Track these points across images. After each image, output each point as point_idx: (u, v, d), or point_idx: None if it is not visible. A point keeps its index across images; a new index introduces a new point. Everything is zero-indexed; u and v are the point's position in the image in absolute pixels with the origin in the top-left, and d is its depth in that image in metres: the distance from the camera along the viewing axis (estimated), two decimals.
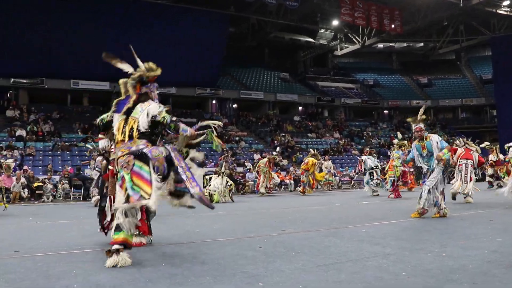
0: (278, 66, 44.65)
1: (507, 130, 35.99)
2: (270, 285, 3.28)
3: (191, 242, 5.49)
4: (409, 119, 8.21)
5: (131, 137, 4.25)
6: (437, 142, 7.64)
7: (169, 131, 4.46)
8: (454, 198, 10.88)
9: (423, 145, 7.73)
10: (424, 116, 8.00)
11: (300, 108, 40.49)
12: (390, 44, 47.45)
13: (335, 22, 39.24)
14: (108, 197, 5.32)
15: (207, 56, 32.95)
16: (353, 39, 41.33)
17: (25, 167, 18.58)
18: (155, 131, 4.36)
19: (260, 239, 5.54)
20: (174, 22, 30.70)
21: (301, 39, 43.96)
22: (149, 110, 4.28)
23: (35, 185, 17.15)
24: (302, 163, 19.22)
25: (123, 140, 4.30)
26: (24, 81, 28.88)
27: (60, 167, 20.93)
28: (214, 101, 36.55)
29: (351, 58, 48.90)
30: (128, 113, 4.38)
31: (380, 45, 46.73)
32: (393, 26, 36.54)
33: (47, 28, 27.53)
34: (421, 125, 7.83)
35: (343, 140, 34.71)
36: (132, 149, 4.18)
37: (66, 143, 24.18)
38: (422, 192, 7.55)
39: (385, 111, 44.79)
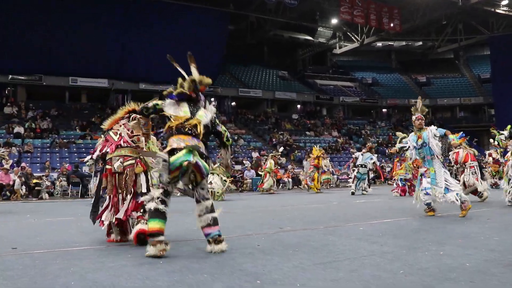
0: (277, 64, 44.63)
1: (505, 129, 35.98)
2: (268, 282, 3.28)
3: (189, 239, 5.49)
4: (412, 109, 8.11)
5: (195, 135, 4.48)
6: (431, 131, 7.63)
7: (221, 142, 4.92)
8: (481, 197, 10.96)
9: (419, 135, 7.73)
10: (424, 108, 7.99)
11: (298, 106, 40.53)
12: (389, 43, 47.50)
13: (334, 21, 39.26)
14: (108, 197, 5.30)
15: (207, 55, 32.83)
16: (352, 37, 41.37)
17: (23, 164, 18.57)
18: (208, 137, 4.70)
19: (258, 237, 5.55)
20: (174, 21, 30.68)
21: (300, 37, 43.97)
22: (212, 115, 4.73)
23: (33, 181, 17.12)
24: (310, 160, 19.15)
25: (184, 134, 4.46)
26: (22, 77, 28.85)
27: (58, 164, 20.93)
28: (212, 99, 36.51)
29: (350, 57, 48.93)
30: (190, 106, 4.66)
31: (379, 44, 46.78)
32: (392, 24, 36.57)
33: (47, 28, 27.54)
34: (421, 115, 7.85)
35: (342, 139, 34.77)
36: (200, 150, 4.43)
37: (64, 140, 24.15)
38: (437, 195, 7.45)
39: (384, 110, 44.88)
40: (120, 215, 5.14)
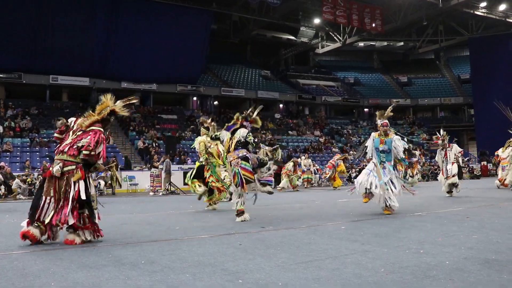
0: (260, 64, 44.64)
1: (484, 129, 36.68)
2: (249, 282, 3.28)
3: (171, 239, 5.47)
4: (377, 113, 8.32)
5: (235, 148, 7.48)
6: (397, 141, 7.93)
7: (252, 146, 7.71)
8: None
9: (382, 140, 7.89)
10: (391, 114, 8.19)
11: (281, 105, 40.56)
12: (371, 43, 47.83)
13: (317, 21, 39.38)
14: (44, 197, 5.16)
15: (190, 54, 32.77)
16: (334, 37, 41.54)
17: (1, 164, 18.26)
18: (248, 145, 7.60)
19: (240, 236, 5.55)
20: (157, 20, 30.49)
21: (283, 37, 44.03)
22: (242, 133, 7.66)
23: None
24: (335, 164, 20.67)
25: (229, 150, 7.61)
26: (1, 75, 28.34)
27: (38, 164, 20.63)
28: (195, 98, 36.39)
29: (332, 57, 49.20)
30: (233, 133, 7.71)
31: (361, 44, 47.10)
32: (374, 25, 36.83)
33: (27, 25, 27.16)
34: (387, 121, 8.04)
35: (324, 138, 34.91)
36: (239, 155, 7.36)
37: (45, 139, 23.81)
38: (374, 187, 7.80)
39: (365, 109, 45.16)
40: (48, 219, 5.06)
